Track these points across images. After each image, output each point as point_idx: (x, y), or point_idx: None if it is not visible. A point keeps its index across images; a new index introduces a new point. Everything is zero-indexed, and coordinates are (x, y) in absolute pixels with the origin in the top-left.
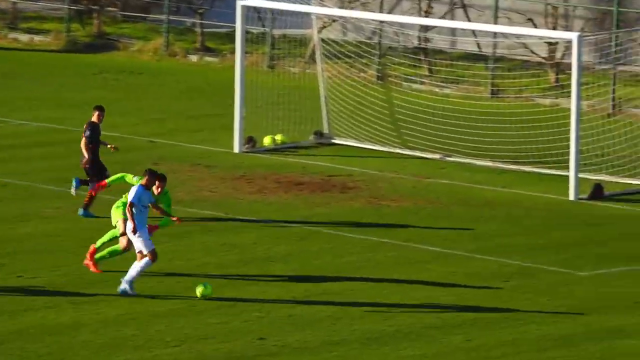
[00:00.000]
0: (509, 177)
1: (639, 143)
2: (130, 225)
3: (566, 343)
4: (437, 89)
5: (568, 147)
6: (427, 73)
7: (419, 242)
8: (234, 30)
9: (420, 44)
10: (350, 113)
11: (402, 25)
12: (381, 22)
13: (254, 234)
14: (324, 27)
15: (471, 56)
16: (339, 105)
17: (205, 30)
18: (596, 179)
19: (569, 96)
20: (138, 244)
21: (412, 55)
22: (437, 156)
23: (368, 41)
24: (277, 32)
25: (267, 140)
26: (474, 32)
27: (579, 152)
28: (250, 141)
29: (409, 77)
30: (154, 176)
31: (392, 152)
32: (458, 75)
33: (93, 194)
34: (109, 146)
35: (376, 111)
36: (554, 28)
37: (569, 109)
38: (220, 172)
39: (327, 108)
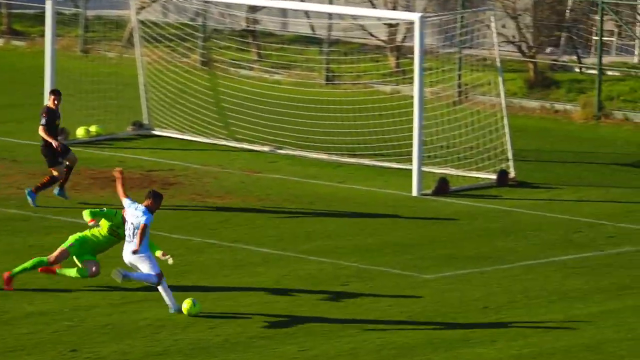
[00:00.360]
0: (346, 171)
1: (487, 133)
2: (135, 246)
3: (409, 353)
4: (267, 75)
5: (410, 138)
6: (256, 58)
7: (247, 242)
8: (44, 12)
9: (248, 26)
10: (172, 102)
11: (228, 5)
12: (206, 2)
13: (65, 235)
14: (143, 7)
15: (304, 39)
16: (159, 93)
17: (11, 11)
18: (441, 173)
19: (411, 82)
20: (145, 266)
21: (239, 39)
22: (267, 148)
23: (191, 23)
24: (91, 13)
25: (80, 132)
26: (307, 13)
27: (422, 143)
28: (61, 133)
29: (236, 62)
30: (159, 198)
31: (218, 145)
32: (290, 60)
33: (59, 179)
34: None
35: (201, 99)
36: (394, 8)
37: (411, 97)
38: (29, 167)
39: (146, 96)
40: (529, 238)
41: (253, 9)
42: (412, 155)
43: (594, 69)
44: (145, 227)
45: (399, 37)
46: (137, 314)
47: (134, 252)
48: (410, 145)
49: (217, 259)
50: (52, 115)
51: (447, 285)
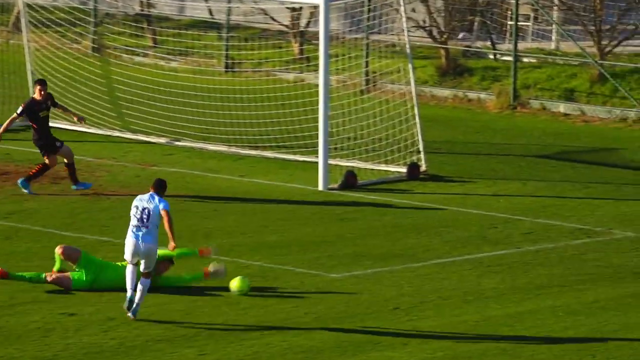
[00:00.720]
0: (247, 164)
1: (396, 124)
2: (172, 242)
3: (316, 357)
4: (163, 62)
5: (316, 129)
6: (151, 44)
7: None
8: None
9: (142, 10)
10: (62, 91)
11: None
12: None
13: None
14: None
15: (202, 24)
16: (49, 81)
17: None
18: (348, 166)
19: (316, 70)
20: (152, 260)
21: (133, 23)
22: (163, 140)
23: (82, 7)
24: None
25: None
26: None
27: (328, 134)
28: None
29: (130, 48)
30: (163, 186)
31: (112, 136)
32: (187, 47)
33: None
34: (75, 119)
35: (92, 88)
36: None
37: (316, 85)
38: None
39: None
40: (441, 235)
41: None
42: (317, 147)
43: (509, 55)
44: (168, 213)
45: (303, 22)
46: (26, 316)
47: (149, 246)
48: (316, 136)
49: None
50: (33, 107)
51: (355, 285)
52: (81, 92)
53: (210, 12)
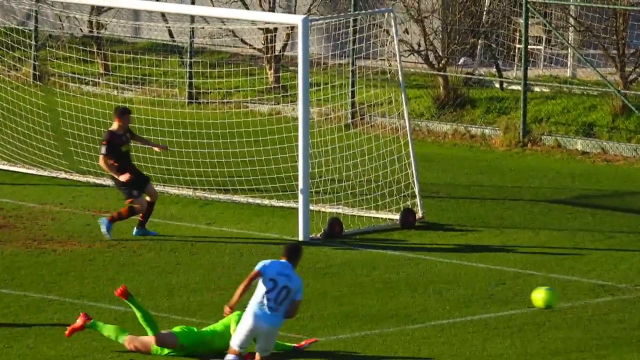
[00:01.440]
0: (215, 210)
1: (388, 163)
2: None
3: None
4: (116, 92)
5: (295, 169)
6: (101, 71)
7: (96, 299)
8: None
9: (91, 32)
10: None
11: (66, 5)
12: (37, 1)
13: None
14: None
15: (161, 47)
16: None
17: None
18: (332, 213)
19: (294, 101)
20: (272, 342)
21: (81, 47)
22: None
23: (21, 28)
24: None
25: None
26: (163, 16)
27: (308, 176)
28: None
29: (77, 76)
30: (298, 253)
31: (57, 178)
32: (144, 74)
33: (140, 213)
34: (156, 149)
35: (34, 122)
36: (272, 10)
37: (294, 118)
38: None
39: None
40: (441, 292)
41: (98, 10)
42: (296, 190)
43: (517, 84)
44: (299, 305)
45: (279, 45)
46: None
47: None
48: (295, 178)
49: (58, 318)
50: (114, 141)
51: (341, 351)
52: (21, 127)
53: (171, 34)
